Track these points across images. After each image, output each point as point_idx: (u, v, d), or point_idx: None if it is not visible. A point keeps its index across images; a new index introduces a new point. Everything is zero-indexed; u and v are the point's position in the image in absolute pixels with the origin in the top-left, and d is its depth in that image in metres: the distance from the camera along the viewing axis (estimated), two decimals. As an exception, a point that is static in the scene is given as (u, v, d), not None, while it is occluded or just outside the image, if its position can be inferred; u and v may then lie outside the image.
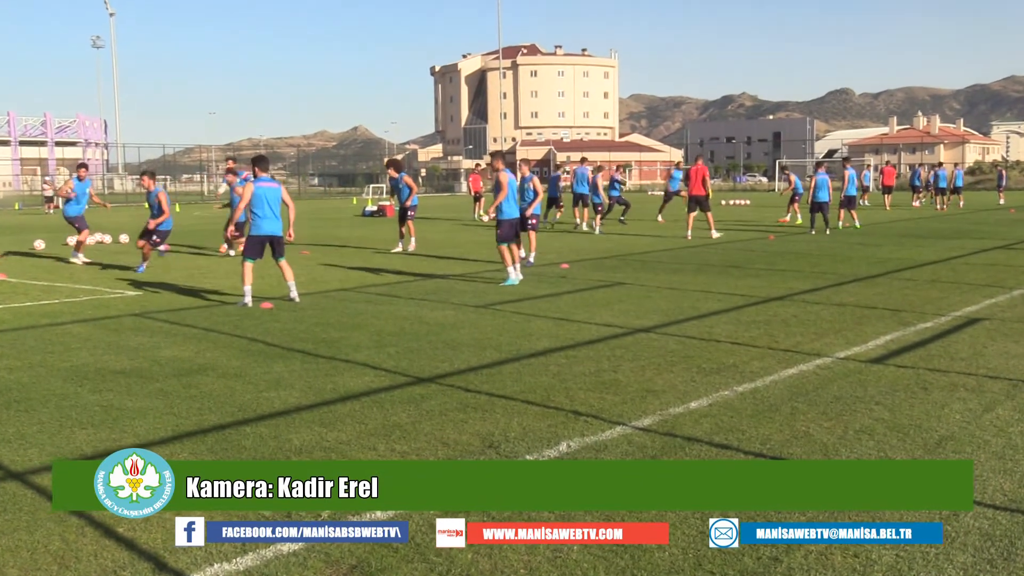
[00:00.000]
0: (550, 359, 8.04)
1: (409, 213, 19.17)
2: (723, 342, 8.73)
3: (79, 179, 17.67)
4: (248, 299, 11.30)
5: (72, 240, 18.38)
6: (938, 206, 35.85)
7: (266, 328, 9.75)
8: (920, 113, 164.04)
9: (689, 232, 21.82)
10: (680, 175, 29.43)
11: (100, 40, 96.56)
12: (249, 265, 11.36)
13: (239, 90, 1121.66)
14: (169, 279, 14.42)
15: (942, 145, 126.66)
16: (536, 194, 16.24)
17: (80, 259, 17.14)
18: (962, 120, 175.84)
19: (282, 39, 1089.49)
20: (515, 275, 13.30)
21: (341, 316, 10.52)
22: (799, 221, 27.60)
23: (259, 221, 11.38)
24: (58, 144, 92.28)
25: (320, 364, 7.92)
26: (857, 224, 25.11)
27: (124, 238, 22.66)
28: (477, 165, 37.85)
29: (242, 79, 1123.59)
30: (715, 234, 21.77)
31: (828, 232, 23.24)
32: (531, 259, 15.86)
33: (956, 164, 46.68)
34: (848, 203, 25.34)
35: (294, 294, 11.59)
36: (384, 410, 6.36)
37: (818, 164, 26.71)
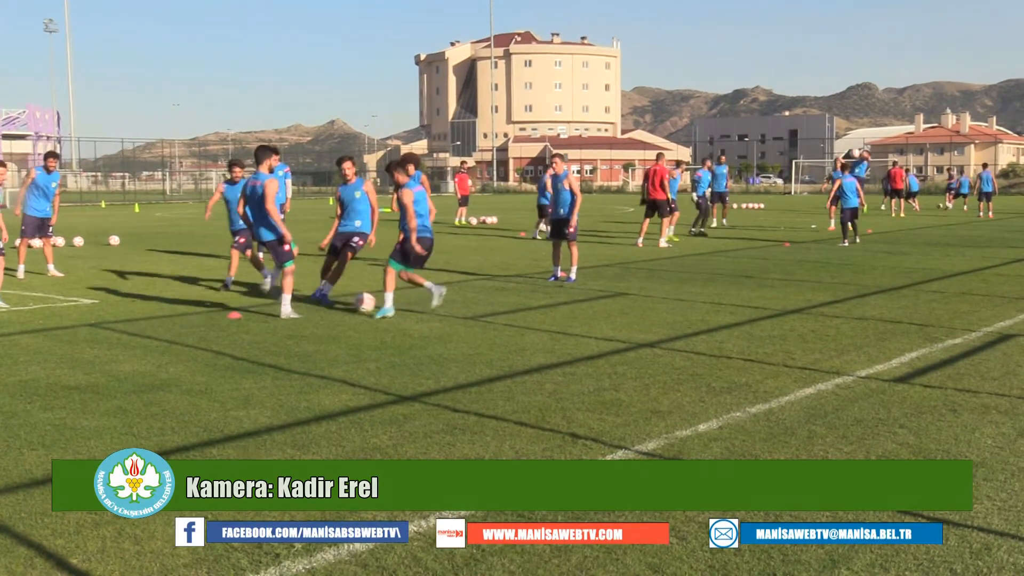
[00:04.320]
0: (545, 376, 8.06)
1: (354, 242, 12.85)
2: (735, 359, 8.77)
3: (47, 170, 15.90)
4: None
5: (36, 243, 16.34)
6: (980, 213, 36.12)
7: (234, 340, 9.76)
8: (949, 110, 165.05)
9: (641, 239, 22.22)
10: (709, 173, 28.37)
11: (53, 24, 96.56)
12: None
13: (205, 80, 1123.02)
14: (128, 286, 14.41)
15: (973, 145, 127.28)
16: (574, 196, 14.63)
17: (52, 271, 15.78)
18: (995, 118, 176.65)
19: (252, 24, 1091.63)
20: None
21: (316, 327, 10.52)
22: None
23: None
24: (5, 137, 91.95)
25: (293, 380, 7.93)
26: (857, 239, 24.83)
27: (78, 241, 22.64)
28: (463, 163, 37.48)
29: (208, 68, 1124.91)
30: (664, 243, 22.07)
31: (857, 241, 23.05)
32: (573, 275, 14.79)
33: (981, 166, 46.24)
34: (853, 215, 25.15)
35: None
36: (363, 432, 6.37)
37: (843, 166, 26.47)
